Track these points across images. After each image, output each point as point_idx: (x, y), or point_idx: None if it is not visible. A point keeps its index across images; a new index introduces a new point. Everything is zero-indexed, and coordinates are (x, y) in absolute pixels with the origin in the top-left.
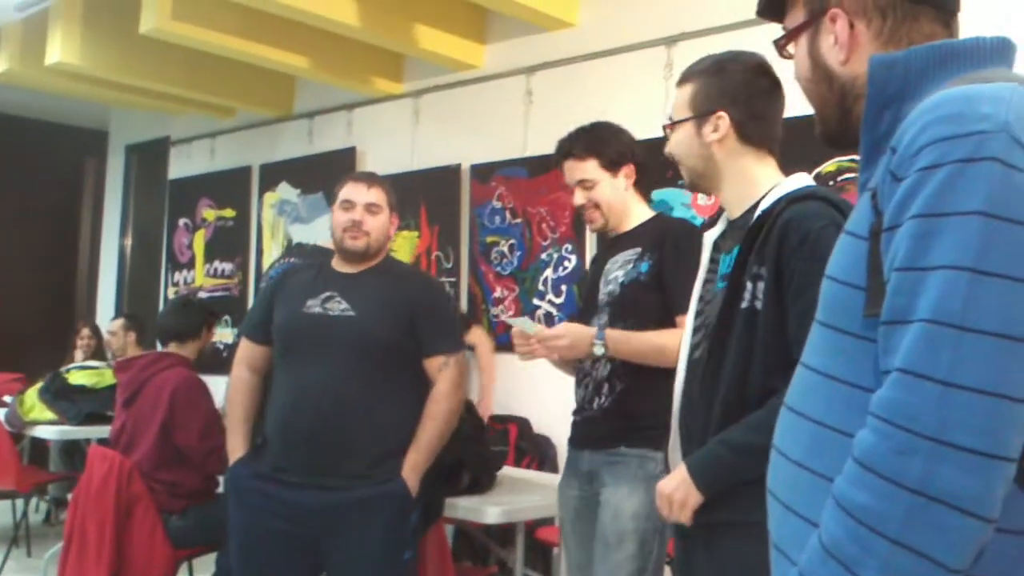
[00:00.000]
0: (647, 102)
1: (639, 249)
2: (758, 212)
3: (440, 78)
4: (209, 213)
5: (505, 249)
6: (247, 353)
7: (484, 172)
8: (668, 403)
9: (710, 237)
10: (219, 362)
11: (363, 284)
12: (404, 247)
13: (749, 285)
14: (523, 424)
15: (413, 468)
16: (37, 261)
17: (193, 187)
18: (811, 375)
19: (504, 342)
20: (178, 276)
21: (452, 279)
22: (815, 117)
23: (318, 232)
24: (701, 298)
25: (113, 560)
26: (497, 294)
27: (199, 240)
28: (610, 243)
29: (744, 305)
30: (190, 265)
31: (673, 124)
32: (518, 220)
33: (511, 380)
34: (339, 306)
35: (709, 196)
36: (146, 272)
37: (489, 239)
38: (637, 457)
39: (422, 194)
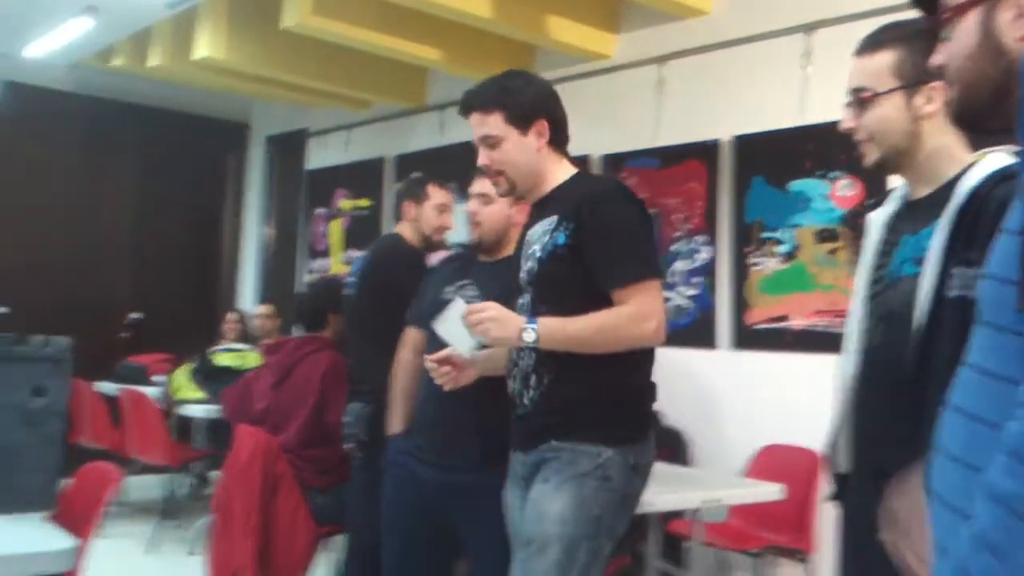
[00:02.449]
0: (783, 92)
1: (555, 217)
2: (963, 192)
3: (571, 68)
4: (345, 203)
5: None
6: (410, 337)
7: (614, 162)
8: (609, 388)
9: (878, 217)
10: None
11: (498, 272)
12: None
13: (957, 271)
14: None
15: None
16: (184, 248)
17: (329, 178)
18: (971, 372)
19: None
20: (315, 264)
21: None
22: (955, 97)
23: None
24: (876, 281)
25: (259, 534)
26: None
27: (335, 229)
28: (533, 210)
29: (953, 294)
30: (326, 253)
31: (874, 96)
32: (651, 211)
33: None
34: (470, 294)
35: (890, 176)
36: (284, 260)
37: None
38: (568, 451)
39: None
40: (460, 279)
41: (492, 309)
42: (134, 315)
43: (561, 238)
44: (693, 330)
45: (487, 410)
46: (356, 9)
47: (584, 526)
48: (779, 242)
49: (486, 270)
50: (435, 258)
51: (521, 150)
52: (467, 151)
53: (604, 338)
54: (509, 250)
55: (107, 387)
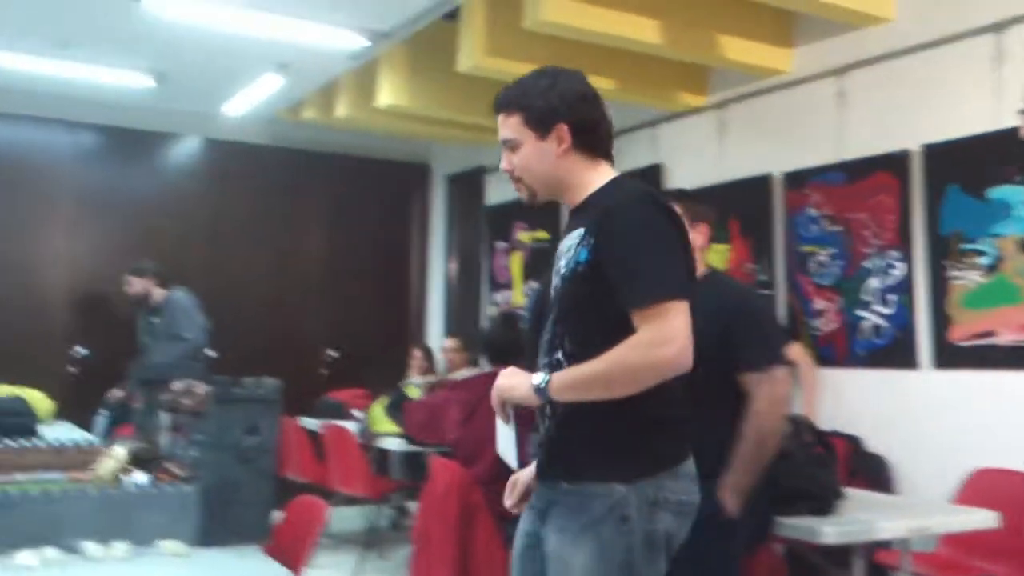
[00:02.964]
0: (975, 96)
1: (582, 229)
2: None
3: (746, 87)
4: (523, 235)
5: (824, 258)
6: None
7: (797, 180)
8: (619, 420)
9: None
10: None
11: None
12: (715, 261)
13: None
14: (853, 442)
15: (731, 488)
16: (374, 286)
17: (507, 212)
18: None
19: (826, 356)
20: (497, 296)
21: (768, 292)
22: None
23: None
24: None
25: (457, 563)
26: (817, 306)
27: (516, 261)
28: (570, 218)
29: None
30: (508, 286)
31: None
32: (837, 227)
33: (839, 396)
34: None
35: None
36: (468, 293)
37: (806, 249)
38: (577, 495)
39: (732, 206)
40: None
41: (502, 378)
42: (332, 352)
43: (584, 254)
44: (891, 350)
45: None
46: (527, 47)
47: (612, 573)
48: (980, 253)
49: None
50: None
51: (539, 155)
52: (642, 178)
53: (619, 375)
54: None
55: (310, 423)
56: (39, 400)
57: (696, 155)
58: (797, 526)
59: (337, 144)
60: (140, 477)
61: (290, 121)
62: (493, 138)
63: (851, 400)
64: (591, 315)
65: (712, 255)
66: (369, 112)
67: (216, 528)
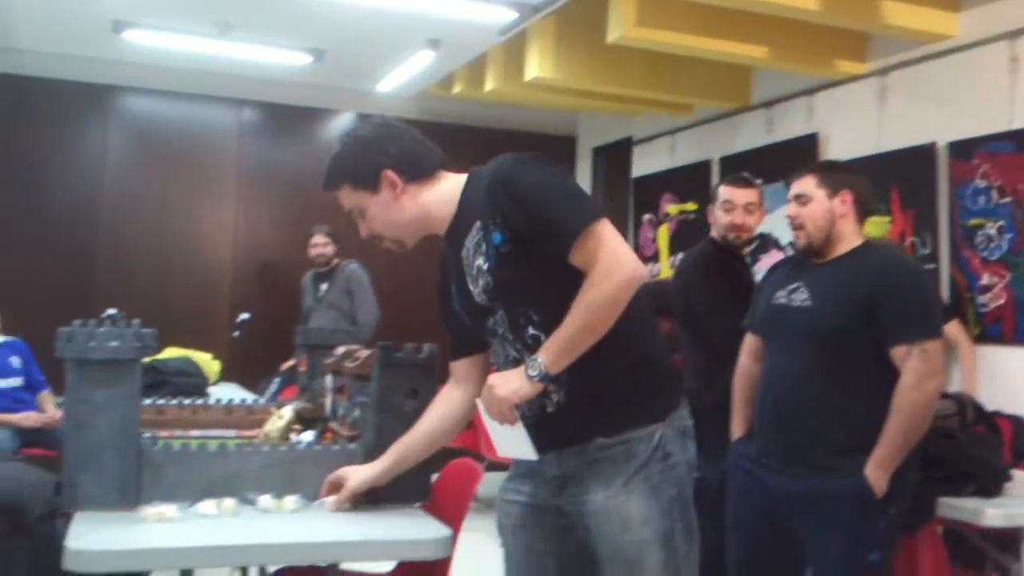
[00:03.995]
0: None
1: (477, 223)
2: None
3: (908, 53)
4: (672, 208)
5: (992, 232)
6: (748, 342)
7: (964, 149)
8: (631, 362)
9: None
10: None
11: (829, 274)
12: (874, 233)
13: None
14: (1018, 423)
15: (877, 464)
16: None
17: (655, 183)
18: None
19: (992, 334)
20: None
21: (931, 266)
22: None
23: (777, 222)
24: None
25: None
26: (984, 281)
27: (663, 234)
28: (448, 239)
29: None
30: (655, 258)
31: None
32: (1006, 199)
33: (1004, 375)
34: (800, 297)
35: None
36: None
37: (972, 222)
38: (619, 444)
39: (892, 177)
40: (792, 282)
41: (489, 381)
42: None
43: (497, 237)
44: None
45: (831, 411)
46: (679, 16)
47: (668, 515)
48: None
49: (818, 271)
50: (770, 260)
51: (384, 208)
52: (796, 148)
53: (596, 316)
54: (841, 248)
55: None
56: (207, 362)
57: (854, 124)
58: (960, 507)
59: (485, 118)
60: (306, 436)
61: (440, 96)
62: (642, 108)
63: (1017, 379)
64: (537, 281)
65: (870, 227)
66: (517, 85)
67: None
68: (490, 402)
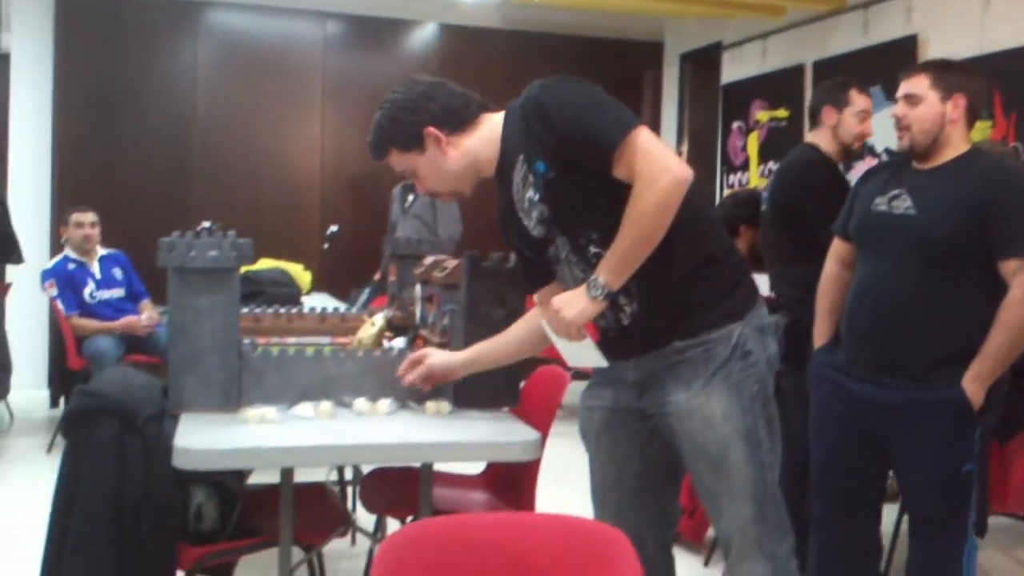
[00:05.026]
0: None
1: (520, 157)
2: None
3: None
4: (762, 115)
5: None
6: (836, 248)
7: None
8: (700, 263)
9: None
10: None
11: (934, 181)
12: (976, 138)
13: None
14: None
15: (976, 377)
16: None
17: (746, 90)
18: None
19: None
20: (732, 178)
21: None
22: None
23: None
24: None
25: None
26: None
27: (752, 142)
28: (498, 181)
29: None
30: (744, 167)
31: None
32: None
33: None
34: (903, 204)
35: None
36: (703, 175)
37: None
38: (697, 346)
39: (996, 80)
40: (892, 189)
41: (554, 305)
42: None
43: (541, 166)
44: None
45: (931, 322)
46: None
47: (750, 410)
48: None
49: (922, 178)
50: (863, 167)
51: (434, 166)
52: (894, 51)
53: (648, 224)
54: (947, 154)
55: None
56: (300, 273)
57: (956, 25)
58: None
59: (569, 24)
60: (398, 342)
61: (521, 3)
62: (732, 12)
63: None
64: (589, 200)
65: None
66: None
67: (468, 391)
68: (557, 325)
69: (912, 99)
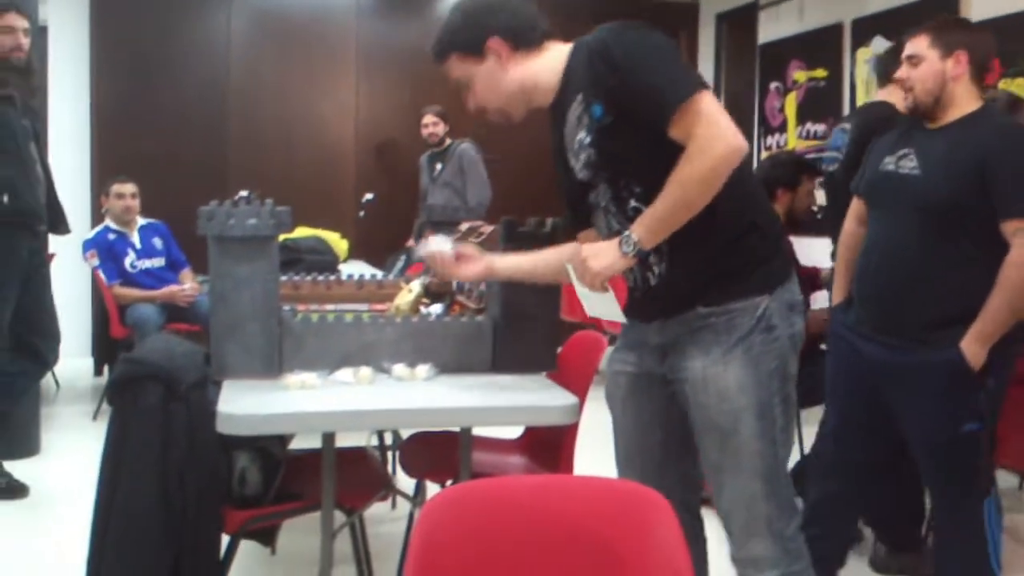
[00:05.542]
0: None
1: (579, 96)
2: None
3: None
4: (800, 75)
5: None
6: (854, 206)
7: None
8: (736, 231)
9: None
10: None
11: (939, 141)
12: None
13: None
14: None
15: (975, 338)
16: None
17: (783, 50)
18: None
19: None
20: (770, 140)
21: None
22: None
23: None
24: None
25: None
26: None
27: (790, 103)
28: (553, 114)
29: None
30: (782, 128)
31: None
32: None
33: None
34: (909, 164)
35: None
36: None
37: None
38: (720, 314)
39: None
40: (901, 148)
41: (580, 251)
42: None
43: (597, 110)
44: None
45: (932, 283)
46: None
47: (767, 386)
48: None
49: (927, 137)
50: None
51: (489, 78)
52: (936, 6)
53: (694, 190)
54: (954, 113)
55: None
56: (336, 241)
57: None
58: None
59: None
60: (435, 309)
61: None
62: None
63: None
64: (639, 153)
65: (1017, 87)
66: None
67: (506, 356)
68: (582, 273)
69: (913, 60)
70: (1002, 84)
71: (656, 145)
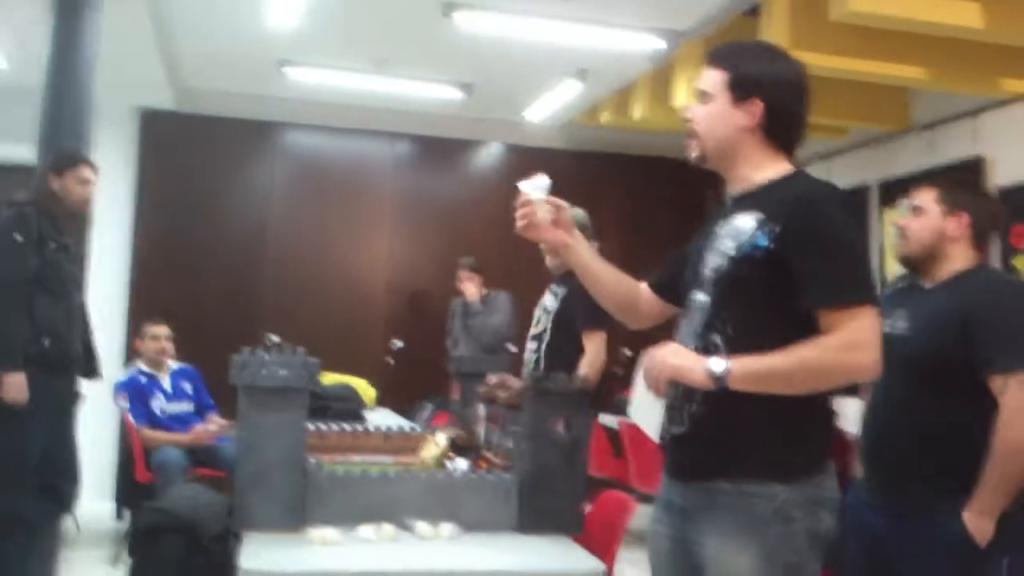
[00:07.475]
0: None
1: (759, 215)
2: None
3: None
4: None
5: None
6: None
7: None
8: (787, 411)
9: None
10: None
11: (928, 299)
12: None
13: None
14: None
15: (978, 511)
16: None
17: None
18: None
19: None
20: None
21: None
22: None
23: None
24: None
25: None
26: None
27: None
28: (731, 204)
29: None
30: None
31: None
32: None
33: None
34: (901, 324)
35: None
36: None
37: None
38: (738, 495)
39: None
40: (896, 309)
41: (670, 356)
42: (627, 352)
43: (763, 240)
44: None
45: (930, 446)
46: (833, 38)
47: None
48: None
49: (920, 299)
50: None
51: (724, 119)
52: (960, 172)
53: (807, 375)
54: (946, 271)
55: (608, 419)
56: (364, 388)
57: (1023, 146)
58: None
59: (633, 145)
60: (461, 463)
61: (587, 125)
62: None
63: None
64: (759, 304)
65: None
66: (665, 112)
67: (532, 516)
68: (655, 362)
69: (917, 211)
70: None
71: (779, 309)
